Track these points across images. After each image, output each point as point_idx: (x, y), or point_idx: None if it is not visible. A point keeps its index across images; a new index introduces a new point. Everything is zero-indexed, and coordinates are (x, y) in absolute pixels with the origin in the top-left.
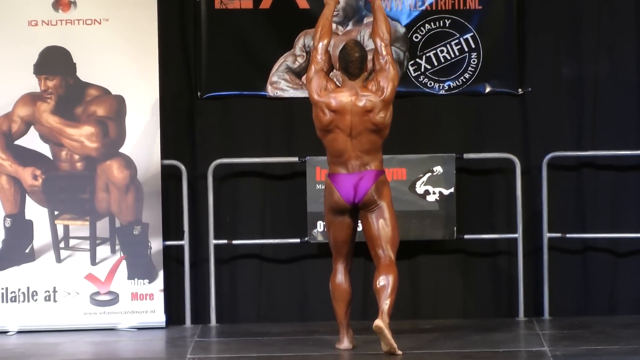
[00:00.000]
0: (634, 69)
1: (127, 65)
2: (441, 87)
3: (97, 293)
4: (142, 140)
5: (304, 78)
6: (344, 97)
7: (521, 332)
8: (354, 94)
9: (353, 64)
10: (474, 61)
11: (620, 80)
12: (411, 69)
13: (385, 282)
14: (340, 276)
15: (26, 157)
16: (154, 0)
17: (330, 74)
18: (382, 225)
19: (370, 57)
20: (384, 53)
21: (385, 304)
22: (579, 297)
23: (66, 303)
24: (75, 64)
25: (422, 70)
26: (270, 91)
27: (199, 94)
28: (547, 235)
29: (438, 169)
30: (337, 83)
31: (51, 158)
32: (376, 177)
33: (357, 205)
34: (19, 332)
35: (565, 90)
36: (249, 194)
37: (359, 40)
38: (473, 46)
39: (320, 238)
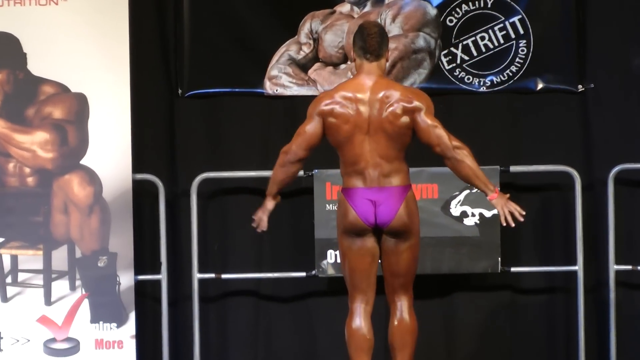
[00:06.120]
0: None
1: (90, 55)
2: (482, 83)
3: (53, 340)
4: (109, 149)
5: (310, 72)
6: (360, 85)
7: None
8: (372, 81)
9: (371, 38)
10: (522, 51)
11: None
12: (444, 60)
13: (401, 334)
14: (358, 320)
15: None
16: None
17: (341, 66)
18: (408, 260)
19: (393, 46)
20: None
21: None
22: None
23: (14, 352)
24: (25, 54)
25: (458, 62)
26: (269, 88)
27: (180, 91)
28: (614, 267)
29: None
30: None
31: None
32: (403, 194)
33: (379, 228)
34: None
35: (636, 88)
36: (242, 215)
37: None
38: (521, 32)
39: (330, 271)
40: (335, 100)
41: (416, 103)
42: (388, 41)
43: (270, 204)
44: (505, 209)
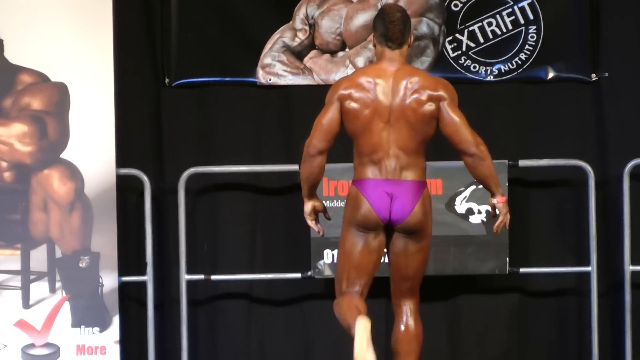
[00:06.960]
0: None
1: (71, 42)
2: (489, 72)
3: (32, 345)
4: (92, 142)
5: (306, 60)
6: (382, 70)
7: None
8: (396, 68)
9: (394, 25)
10: (532, 37)
11: None
12: (449, 47)
13: (407, 340)
14: (348, 297)
15: None
16: None
17: (339, 54)
18: (419, 263)
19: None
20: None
21: None
22: None
23: None
24: (2, 40)
25: (464, 49)
26: (262, 77)
27: (167, 80)
28: (629, 268)
29: None
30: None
31: None
32: (419, 190)
33: (391, 225)
34: None
35: None
36: (233, 213)
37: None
38: (531, 17)
39: (327, 272)
40: (354, 83)
41: (441, 92)
42: (411, 26)
43: (307, 206)
44: (506, 217)
